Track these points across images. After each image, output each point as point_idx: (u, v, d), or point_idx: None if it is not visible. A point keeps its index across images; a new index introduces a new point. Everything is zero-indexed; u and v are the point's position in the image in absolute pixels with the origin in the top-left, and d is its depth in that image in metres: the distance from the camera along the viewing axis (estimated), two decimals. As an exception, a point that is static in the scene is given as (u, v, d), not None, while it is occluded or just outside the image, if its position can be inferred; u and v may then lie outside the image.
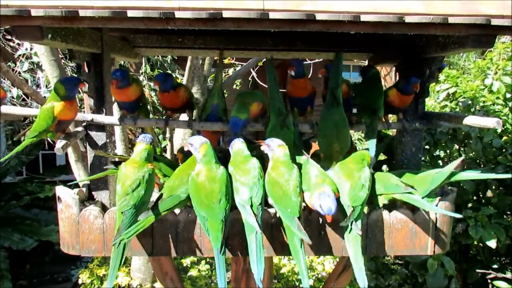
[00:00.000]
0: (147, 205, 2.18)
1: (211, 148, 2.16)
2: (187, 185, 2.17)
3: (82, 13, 1.74)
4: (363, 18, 1.82)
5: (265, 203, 2.18)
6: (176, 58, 7.64)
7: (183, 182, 2.20)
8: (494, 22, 1.87)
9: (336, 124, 2.39)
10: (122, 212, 2.10)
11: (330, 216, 2.07)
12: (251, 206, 2.08)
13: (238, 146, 2.27)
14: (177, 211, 2.29)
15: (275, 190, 2.13)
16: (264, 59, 7.01)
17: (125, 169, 2.16)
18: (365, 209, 2.38)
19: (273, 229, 2.30)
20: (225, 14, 1.76)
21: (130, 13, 1.75)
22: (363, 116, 2.56)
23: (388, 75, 10.68)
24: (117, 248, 2.08)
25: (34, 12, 1.73)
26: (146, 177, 2.12)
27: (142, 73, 7.31)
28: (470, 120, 2.27)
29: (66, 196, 2.31)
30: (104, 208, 2.42)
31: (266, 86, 2.62)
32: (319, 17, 1.81)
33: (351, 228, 2.16)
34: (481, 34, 1.96)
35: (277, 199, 2.12)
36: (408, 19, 1.84)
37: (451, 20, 1.85)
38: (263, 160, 2.30)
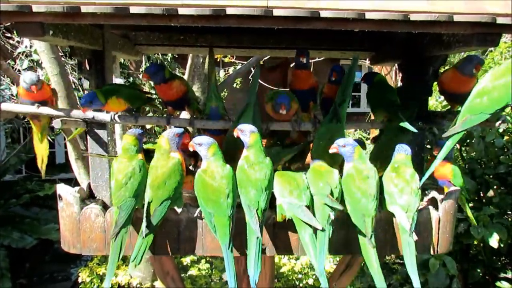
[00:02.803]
0: (142, 196, 2.18)
1: (219, 148, 2.17)
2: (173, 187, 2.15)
3: (84, 9, 1.72)
4: (368, 16, 1.80)
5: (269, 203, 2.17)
6: (176, 56, 7.62)
7: (166, 188, 2.14)
8: (499, 20, 1.85)
9: (332, 140, 2.30)
10: (118, 207, 2.12)
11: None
12: (257, 209, 2.06)
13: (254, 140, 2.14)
14: (178, 210, 2.28)
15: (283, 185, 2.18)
16: (265, 58, 7.02)
17: (116, 164, 2.19)
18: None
19: (275, 228, 2.29)
20: (229, 11, 1.74)
21: (133, 10, 1.73)
22: (383, 115, 2.53)
23: (388, 75, 10.66)
24: (115, 242, 2.11)
25: (35, 8, 1.71)
26: (137, 169, 2.17)
27: (142, 71, 7.30)
28: (474, 119, 2.24)
29: (67, 194, 2.30)
30: (105, 207, 2.40)
31: (266, 86, 2.59)
32: (323, 14, 1.79)
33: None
34: (486, 33, 1.94)
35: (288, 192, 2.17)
36: (413, 17, 1.82)
37: (456, 18, 1.83)
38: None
